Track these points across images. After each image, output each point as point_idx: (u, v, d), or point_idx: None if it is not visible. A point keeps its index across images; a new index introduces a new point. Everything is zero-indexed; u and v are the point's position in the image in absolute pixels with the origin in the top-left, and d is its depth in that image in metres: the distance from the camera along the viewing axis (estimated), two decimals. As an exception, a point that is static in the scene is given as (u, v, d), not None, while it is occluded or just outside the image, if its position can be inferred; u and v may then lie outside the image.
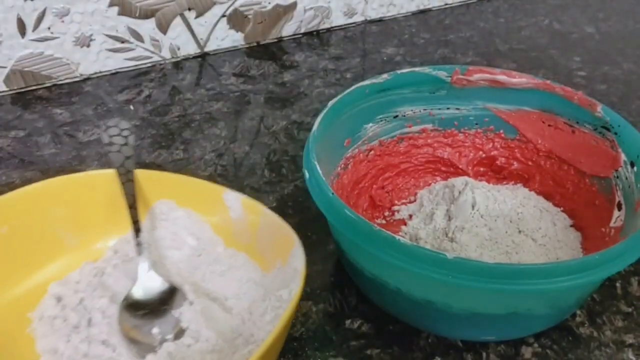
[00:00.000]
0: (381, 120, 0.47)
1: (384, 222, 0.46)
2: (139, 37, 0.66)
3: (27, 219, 0.40)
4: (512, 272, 0.31)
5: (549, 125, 0.46)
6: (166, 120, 0.60)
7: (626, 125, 0.41)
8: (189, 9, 0.67)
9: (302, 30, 0.75)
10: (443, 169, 0.50)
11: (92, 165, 0.54)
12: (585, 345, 0.38)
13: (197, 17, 0.68)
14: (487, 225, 0.42)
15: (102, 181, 0.42)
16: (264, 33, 0.73)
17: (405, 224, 0.46)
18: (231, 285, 0.39)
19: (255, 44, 0.74)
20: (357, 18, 0.78)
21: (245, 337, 0.36)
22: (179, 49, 0.69)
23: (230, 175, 0.52)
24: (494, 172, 0.49)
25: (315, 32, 0.76)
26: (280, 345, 0.34)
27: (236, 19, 0.70)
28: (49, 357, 0.36)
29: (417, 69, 0.46)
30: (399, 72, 0.46)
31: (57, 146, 0.56)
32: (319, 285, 0.42)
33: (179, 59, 0.70)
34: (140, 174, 0.41)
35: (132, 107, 0.61)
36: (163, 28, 0.67)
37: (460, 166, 0.49)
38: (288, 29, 0.74)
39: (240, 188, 0.49)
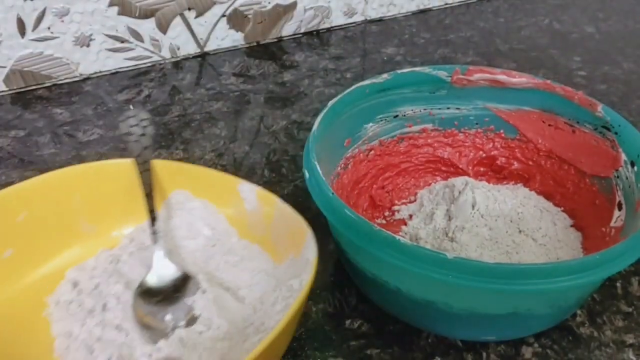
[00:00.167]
0: (381, 120, 0.47)
1: (384, 222, 0.46)
2: (138, 37, 0.66)
3: (45, 206, 0.40)
4: (512, 272, 0.31)
5: (549, 125, 0.46)
6: (166, 120, 0.60)
7: (626, 125, 0.41)
8: (189, 9, 0.67)
9: (302, 30, 0.75)
10: (443, 168, 0.49)
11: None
12: (585, 345, 0.38)
13: (197, 16, 0.68)
14: (487, 225, 0.42)
15: (119, 170, 0.42)
16: (264, 33, 0.73)
17: (405, 224, 0.46)
18: (244, 275, 0.40)
19: (255, 44, 0.74)
20: (357, 18, 0.78)
21: (255, 325, 0.36)
22: (178, 48, 0.69)
23: (230, 175, 0.52)
24: (494, 172, 0.49)
25: (315, 32, 0.76)
26: (290, 335, 0.34)
27: (236, 19, 0.70)
28: (63, 340, 0.37)
29: (417, 68, 0.46)
30: (399, 71, 0.46)
31: (57, 146, 0.56)
32: (319, 285, 0.42)
33: (178, 59, 0.70)
34: (157, 164, 0.41)
35: (131, 107, 0.61)
36: (163, 28, 0.67)
37: (461, 166, 0.49)
38: (288, 29, 0.74)
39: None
